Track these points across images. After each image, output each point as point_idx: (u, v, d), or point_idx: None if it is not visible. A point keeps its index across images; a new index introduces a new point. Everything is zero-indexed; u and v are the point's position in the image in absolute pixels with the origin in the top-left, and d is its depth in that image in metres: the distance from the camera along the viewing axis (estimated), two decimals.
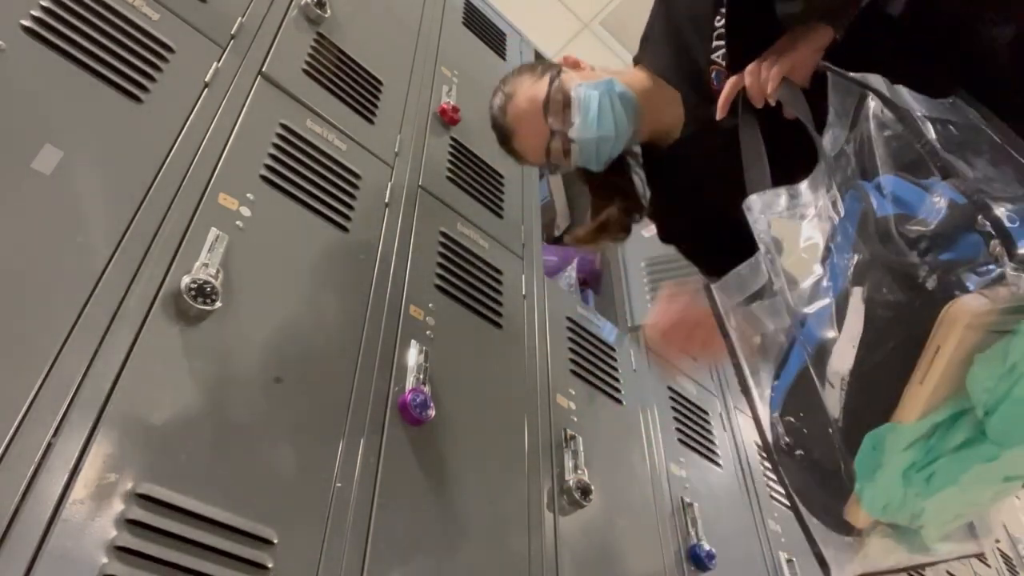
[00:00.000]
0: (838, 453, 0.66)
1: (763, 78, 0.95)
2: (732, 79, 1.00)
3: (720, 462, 1.85)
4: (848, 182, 0.74)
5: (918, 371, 0.59)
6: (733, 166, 1.01)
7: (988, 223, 0.59)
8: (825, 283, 0.71)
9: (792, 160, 0.85)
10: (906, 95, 0.80)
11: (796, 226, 0.78)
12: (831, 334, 0.68)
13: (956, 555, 0.72)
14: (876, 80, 0.80)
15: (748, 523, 1.79)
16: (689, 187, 1.21)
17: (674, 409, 1.84)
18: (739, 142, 0.99)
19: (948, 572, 2.48)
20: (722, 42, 1.03)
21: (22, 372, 0.80)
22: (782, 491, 0.79)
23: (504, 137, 1.25)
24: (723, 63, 1.03)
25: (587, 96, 1.12)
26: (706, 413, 1.94)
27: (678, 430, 1.79)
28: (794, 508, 0.73)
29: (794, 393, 0.73)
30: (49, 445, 0.78)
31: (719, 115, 1.01)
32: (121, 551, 0.77)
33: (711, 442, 1.87)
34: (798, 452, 0.72)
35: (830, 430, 0.67)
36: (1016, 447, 0.59)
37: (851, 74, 0.81)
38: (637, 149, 1.26)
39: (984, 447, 0.60)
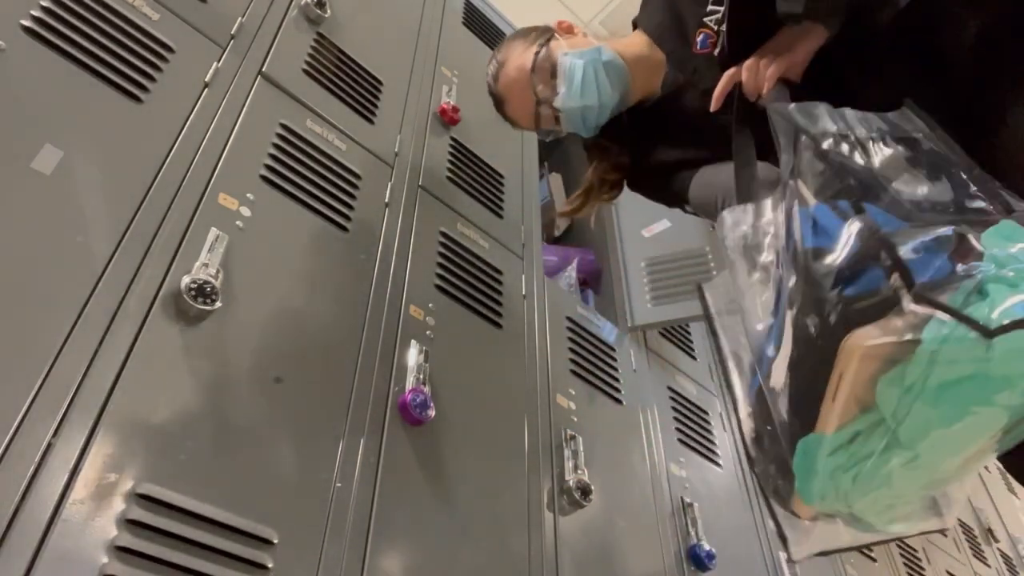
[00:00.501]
0: (786, 452, 0.74)
1: (760, 76, 0.98)
2: (729, 72, 1.03)
3: (720, 462, 1.85)
4: (791, 207, 0.78)
5: (828, 392, 0.67)
6: (705, 128, 1.07)
7: (889, 259, 0.66)
8: (771, 304, 0.77)
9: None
10: (850, 115, 0.84)
11: (760, 243, 0.82)
12: (770, 352, 0.76)
13: (915, 532, 0.77)
14: (813, 108, 0.84)
15: (748, 523, 1.79)
16: (664, 144, 1.25)
17: (674, 409, 1.84)
18: (706, 109, 1.05)
19: (948, 572, 2.48)
20: (717, 6, 1.05)
21: (22, 372, 0.80)
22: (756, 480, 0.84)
23: (497, 103, 1.29)
24: (713, 27, 1.06)
25: (572, 66, 1.15)
26: (706, 413, 1.94)
27: (678, 430, 1.79)
28: (763, 492, 0.80)
29: (759, 396, 0.78)
30: (49, 445, 0.78)
31: (713, 107, 1.05)
32: (121, 551, 0.77)
33: (711, 442, 1.87)
34: (764, 446, 0.79)
35: (779, 433, 0.75)
36: (927, 448, 0.67)
37: (781, 109, 0.85)
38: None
39: (900, 450, 0.67)
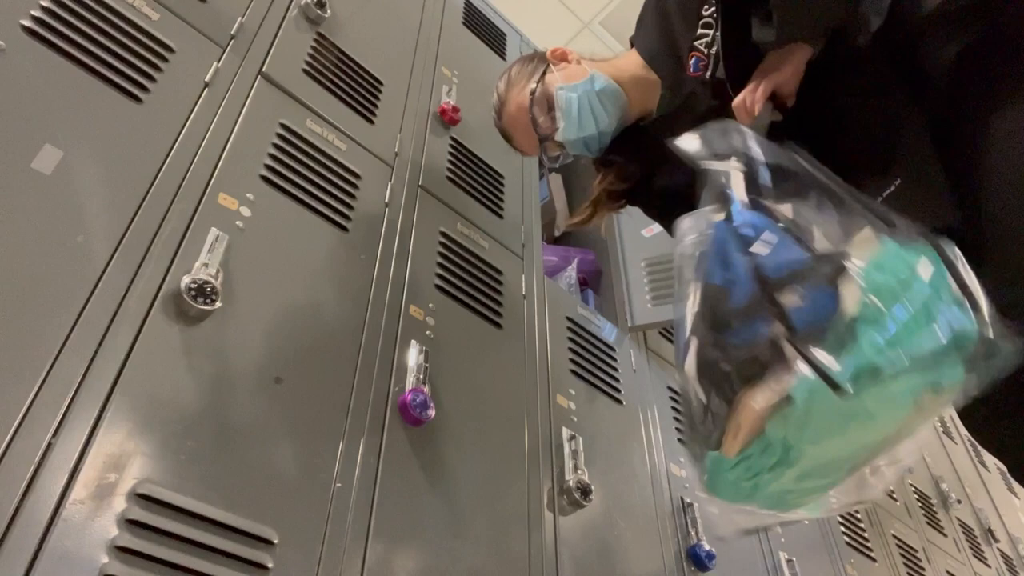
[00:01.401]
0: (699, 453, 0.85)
1: (750, 102, 1.00)
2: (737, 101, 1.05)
3: None
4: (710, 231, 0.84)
5: (729, 432, 0.78)
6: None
7: (774, 311, 0.73)
8: (683, 322, 0.85)
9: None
10: (752, 142, 0.87)
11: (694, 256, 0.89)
12: (684, 364, 0.85)
13: (835, 510, 0.85)
14: (718, 134, 0.88)
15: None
16: (663, 162, 1.26)
17: (674, 409, 1.83)
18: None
19: (948, 572, 2.48)
20: (706, 30, 1.07)
21: (22, 372, 0.80)
22: None
23: (505, 137, 1.36)
24: (703, 50, 1.07)
25: (568, 100, 1.20)
26: None
27: (678, 430, 1.79)
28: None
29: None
30: (49, 445, 0.78)
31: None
32: (121, 551, 0.77)
33: None
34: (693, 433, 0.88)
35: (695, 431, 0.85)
36: (818, 458, 0.78)
37: (680, 145, 0.89)
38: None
39: (789, 468, 0.78)
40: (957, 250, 0.76)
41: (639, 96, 1.21)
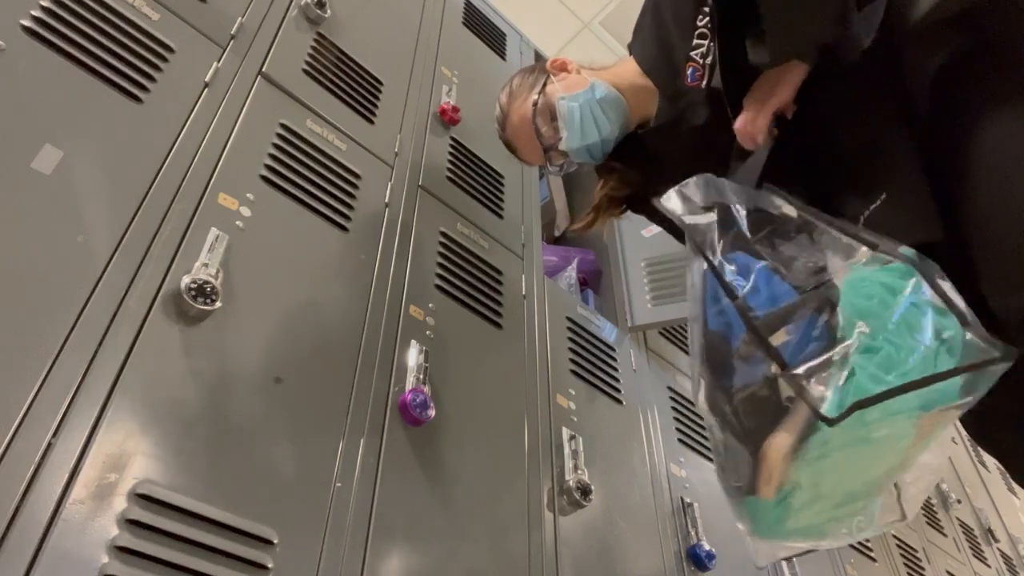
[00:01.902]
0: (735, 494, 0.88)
1: (753, 131, 1.01)
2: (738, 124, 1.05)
3: None
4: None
5: (761, 478, 0.79)
6: (700, 158, 1.09)
7: (766, 351, 0.75)
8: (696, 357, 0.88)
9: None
10: (730, 192, 0.91)
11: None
12: (698, 399, 0.89)
13: (873, 532, 0.85)
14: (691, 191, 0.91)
15: None
16: (662, 170, 1.27)
17: (674, 409, 1.84)
18: (708, 137, 1.09)
19: (948, 572, 2.48)
20: (702, 40, 1.07)
21: (22, 372, 0.80)
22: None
23: (509, 148, 1.38)
24: (699, 61, 1.08)
25: (570, 109, 1.22)
26: None
27: (678, 430, 1.79)
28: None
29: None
30: (49, 445, 0.78)
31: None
32: (121, 551, 0.77)
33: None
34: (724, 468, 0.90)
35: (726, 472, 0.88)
36: (841, 495, 0.81)
37: (663, 203, 0.91)
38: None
39: (821, 497, 0.80)
40: (933, 263, 0.77)
41: (639, 103, 1.23)
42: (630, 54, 1.25)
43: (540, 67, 1.33)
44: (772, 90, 0.99)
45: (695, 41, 1.08)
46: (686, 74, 1.09)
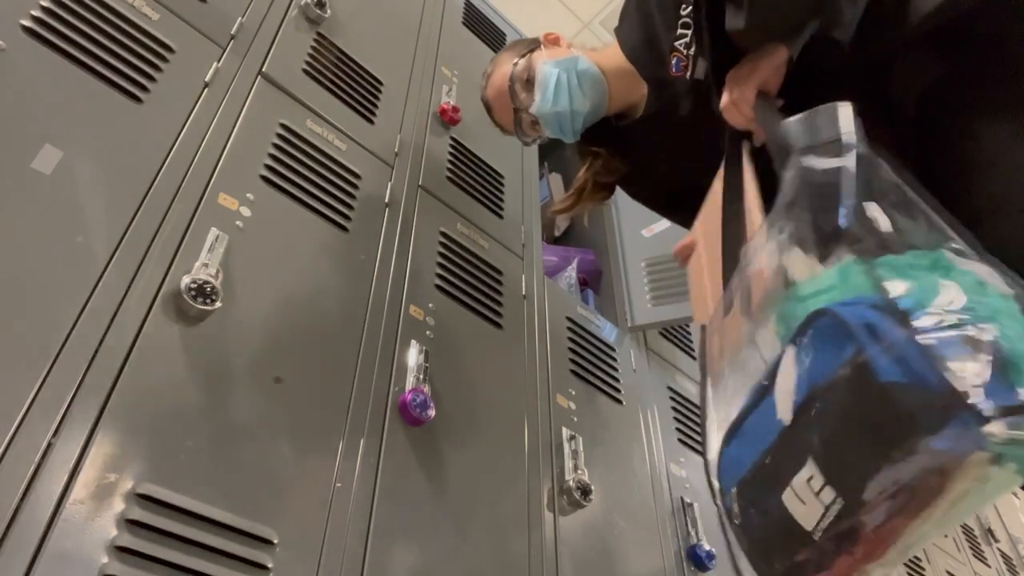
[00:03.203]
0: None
1: (740, 106, 0.98)
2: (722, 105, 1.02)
3: None
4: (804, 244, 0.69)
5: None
6: (684, 150, 1.11)
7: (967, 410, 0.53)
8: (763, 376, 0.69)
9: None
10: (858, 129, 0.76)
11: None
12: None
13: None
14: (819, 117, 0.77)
15: None
16: (647, 160, 1.29)
17: (674, 409, 1.83)
18: (692, 130, 1.08)
19: (948, 572, 2.48)
20: (685, 30, 1.06)
21: (22, 372, 0.80)
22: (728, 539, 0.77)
23: (487, 110, 1.38)
24: (684, 50, 1.07)
25: (547, 74, 1.22)
26: None
27: (678, 430, 1.79)
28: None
29: (755, 481, 0.70)
30: (49, 445, 0.78)
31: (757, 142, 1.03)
32: (121, 551, 0.77)
33: None
34: (748, 526, 0.71)
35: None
36: None
37: (783, 130, 0.80)
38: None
39: None
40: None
41: (621, 88, 1.22)
42: (616, 38, 1.25)
43: (533, 39, 1.34)
44: (753, 66, 0.98)
45: (679, 31, 1.07)
46: (671, 64, 1.08)
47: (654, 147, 1.24)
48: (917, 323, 0.56)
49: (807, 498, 0.62)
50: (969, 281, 0.59)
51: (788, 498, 0.64)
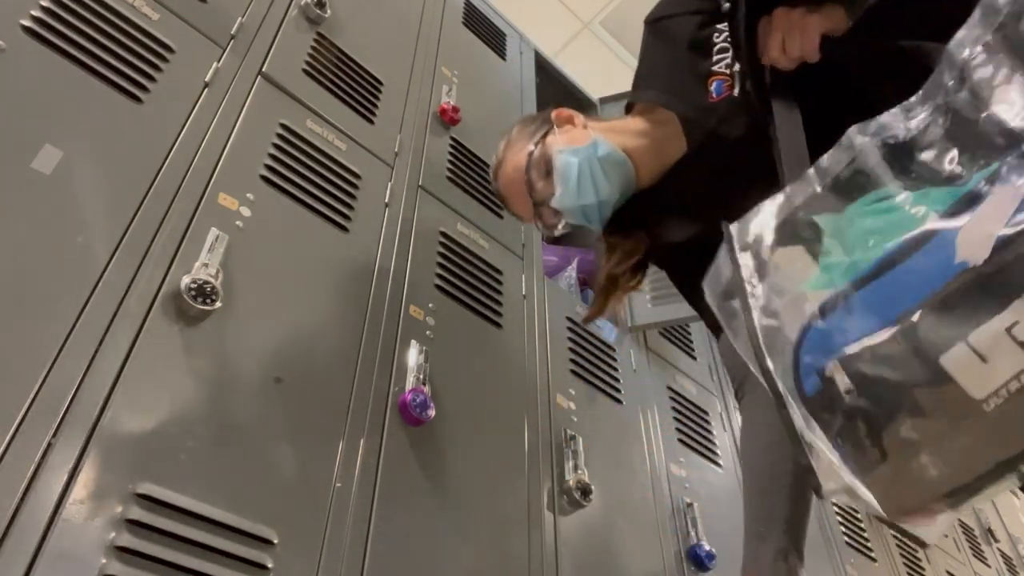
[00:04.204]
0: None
1: (805, 35, 0.91)
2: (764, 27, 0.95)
3: (720, 462, 1.85)
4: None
5: None
6: (737, 173, 1.00)
7: None
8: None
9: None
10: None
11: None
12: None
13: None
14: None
15: None
16: (689, 209, 1.17)
17: (674, 409, 1.84)
18: (741, 154, 0.99)
19: (948, 572, 2.48)
20: (722, 55, 1.03)
21: (22, 372, 0.80)
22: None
23: (501, 200, 1.26)
24: (726, 71, 1.03)
25: (567, 164, 1.11)
26: (706, 413, 1.94)
27: (678, 430, 1.79)
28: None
29: (888, 347, 0.61)
30: (49, 445, 0.78)
31: (765, 59, 0.97)
32: (121, 551, 0.77)
33: (711, 442, 1.87)
34: (854, 404, 0.63)
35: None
36: None
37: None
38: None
39: None
40: None
41: (647, 160, 1.13)
42: (627, 113, 1.18)
43: (544, 116, 1.21)
44: (802, 17, 0.92)
45: (715, 57, 1.03)
46: (710, 91, 1.03)
47: (699, 186, 1.14)
48: None
49: (997, 352, 0.53)
50: None
51: (955, 358, 0.55)
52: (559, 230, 1.20)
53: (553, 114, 1.18)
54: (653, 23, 1.14)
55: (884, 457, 0.61)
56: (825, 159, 0.71)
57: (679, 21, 1.09)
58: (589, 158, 1.10)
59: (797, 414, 0.65)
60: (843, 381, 0.62)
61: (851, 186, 0.68)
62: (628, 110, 1.19)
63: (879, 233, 0.64)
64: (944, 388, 0.55)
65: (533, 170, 1.14)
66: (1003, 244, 0.54)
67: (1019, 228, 0.54)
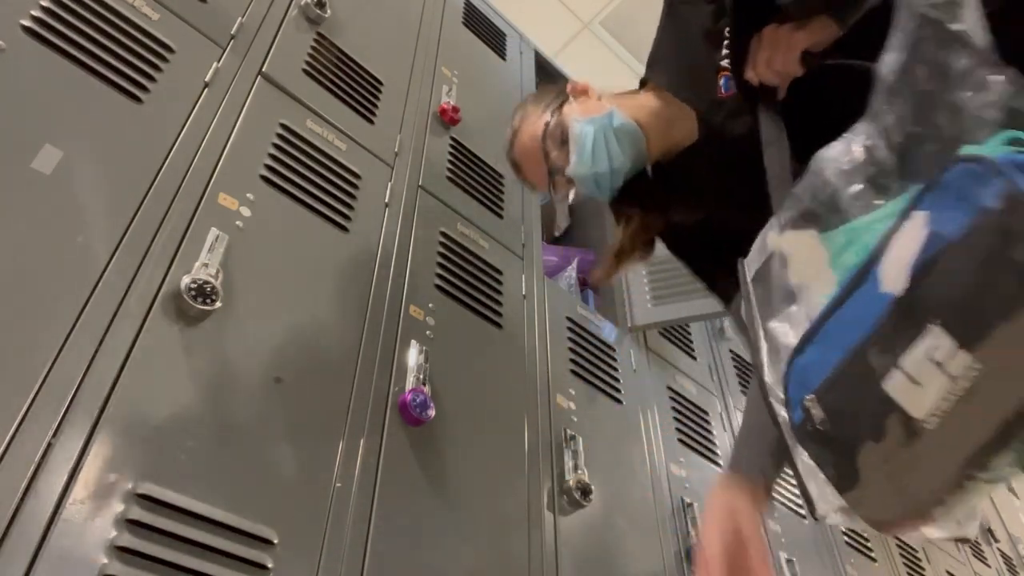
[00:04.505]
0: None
1: (786, 53, 0.94)
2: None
3: (720, 462, 1.85)
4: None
5: None
6: (738, 172, 1.02)
7: None
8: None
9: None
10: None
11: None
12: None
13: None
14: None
15: None
16: (693, 195, 1.21)
17: (674, 409, 1.84)
18: (746, 151, 1.00)
19: (948, 572, 2.48)
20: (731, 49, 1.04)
21: (22, 372, 0.80)
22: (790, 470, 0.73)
23: (515, 169, 1.29)
24: (731, 68, 1.04)
25: (583, 133, 1.14)
26: (706, 413, 1.94)
27: (678, 430, 1.79)
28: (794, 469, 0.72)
29: (844, 379, 0.66)
30: (49, 445, 0.78)
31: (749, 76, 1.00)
32: (121, 551, 0.77)
33: (711, 442, 1.87)
34: (831, 432, 0.67)
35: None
36: None
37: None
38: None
39: None
40: None
41: (659, 136, 1.16)
42: (641, 87, 1.20)
43: (560, 88, 1.25)
44: (792, 31, 0.95)
45: (724, 51, 1.04)
46: (719, 86, 1.05)
47: (704, 176, 1.17)
48: None
49: (925, 375, 0.57)
50: None
51: (895, 385, 0.59)
52: (572, 200, 1.24)
53: (569, 86, 1.22)
54: (670, 3, 1.15)
55: (858, 479, 0.65)
56: (798, 188, 0.75)
57: (696, 10, 1.10)
58: (604, 127, 1.13)
59: (792, 442, 0.71)
60: (818, 413, 0.67)
61: (815, 217, 0.73)
62: (642, 85, 1.21)
63: (843, 268, 0.68)
64: (892, 413, 0.60)
65: (549, 139, 1.17)
66: (919, 271, 0.58)
67: (928, 255, 0.57)
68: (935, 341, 0.56)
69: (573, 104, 1.18)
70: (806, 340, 0.69)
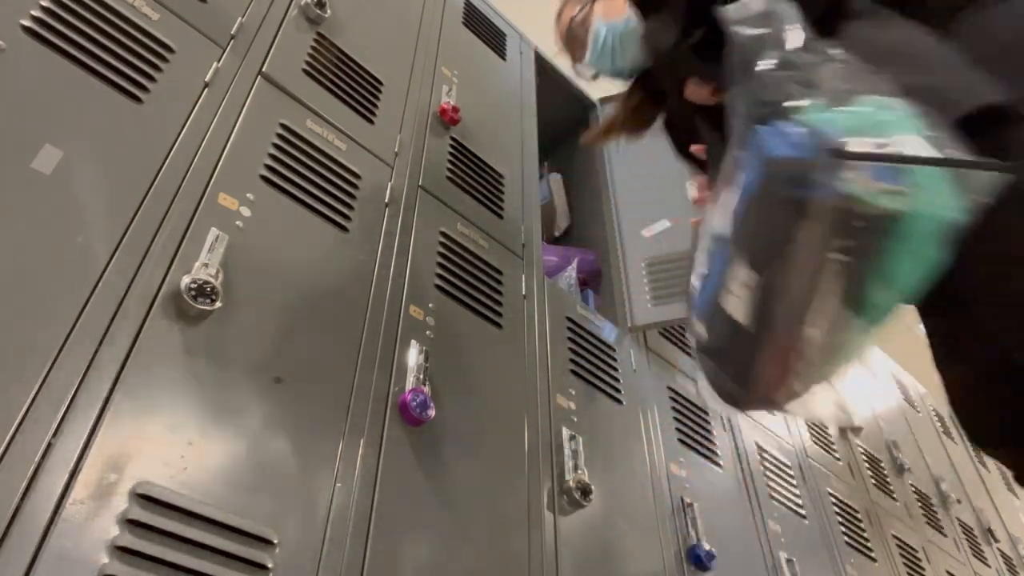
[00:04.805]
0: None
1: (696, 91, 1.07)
2: None
3: (720, 462, 1.85)
4: None
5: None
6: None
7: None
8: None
9: None
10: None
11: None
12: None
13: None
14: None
15: (748, 523, 1.79)
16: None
17: (674, 409, 1.84)
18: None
19: (948, 572, 2.48)
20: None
21: (22, 372, 0.80)
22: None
23: (560, 45, 1.47)
24: None
25: (596, 33, 1.31)
26: (706, 413, 1.94)
27: (678, 430, 1.79)
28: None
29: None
30: (49, 445, 0.78)
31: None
32: (121, 551, 0.77)
33: (711, 442, 1.87)
34: (709, 345, 0.83)
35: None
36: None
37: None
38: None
39: None
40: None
41: None
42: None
43: None
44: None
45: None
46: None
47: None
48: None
49: (740, 292, 0.74)
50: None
51: (727, 301, 0.75)
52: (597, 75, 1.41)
53: None
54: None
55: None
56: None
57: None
58: (614, 31, 1.30)
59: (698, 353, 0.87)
60: (701, 335, 0.84)
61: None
62: None
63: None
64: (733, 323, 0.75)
65: (576, 29, 1.36)
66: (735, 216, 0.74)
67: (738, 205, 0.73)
68: (740, 266, 0.73)
69: (601, 3, 1.35)
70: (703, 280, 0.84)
